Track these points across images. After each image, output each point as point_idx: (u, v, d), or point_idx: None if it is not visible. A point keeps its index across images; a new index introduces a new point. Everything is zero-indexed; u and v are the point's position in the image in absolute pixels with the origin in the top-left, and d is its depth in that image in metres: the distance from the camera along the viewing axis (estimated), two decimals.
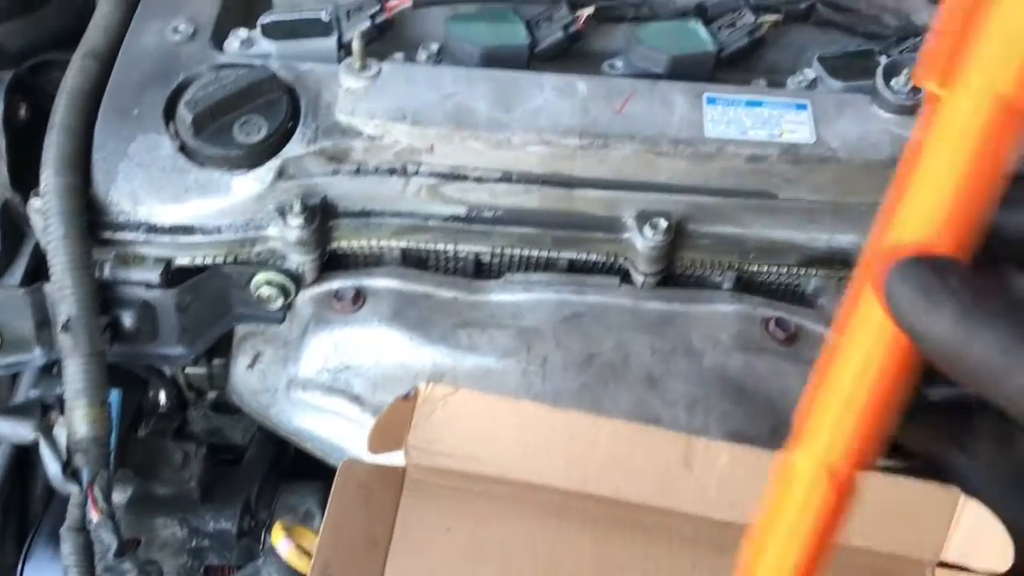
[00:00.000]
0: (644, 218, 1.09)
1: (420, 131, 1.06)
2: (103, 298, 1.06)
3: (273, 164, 1.06)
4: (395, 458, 0.87)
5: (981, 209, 0.42)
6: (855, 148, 1.07)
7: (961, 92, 0.41)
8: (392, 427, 0.86)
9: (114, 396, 1.10)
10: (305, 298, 1.14)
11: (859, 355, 0.45)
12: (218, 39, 1.16)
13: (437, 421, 0.86)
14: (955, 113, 0.41)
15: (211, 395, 1.34)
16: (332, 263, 1.15)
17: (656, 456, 0.87)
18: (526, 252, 1.14)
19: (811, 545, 0.48)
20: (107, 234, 1.07)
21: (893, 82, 1.08)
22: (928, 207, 0.42)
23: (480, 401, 0.87)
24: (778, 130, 1.08)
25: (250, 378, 1.18)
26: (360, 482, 0.85)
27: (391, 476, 0.87)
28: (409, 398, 0.86)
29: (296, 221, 1.06)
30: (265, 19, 1.17)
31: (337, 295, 1.12)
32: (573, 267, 1.16)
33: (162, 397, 1.33)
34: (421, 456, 0.87)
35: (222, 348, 1.20)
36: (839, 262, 1.14)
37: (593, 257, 1.14)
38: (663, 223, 1.08)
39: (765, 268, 1.14)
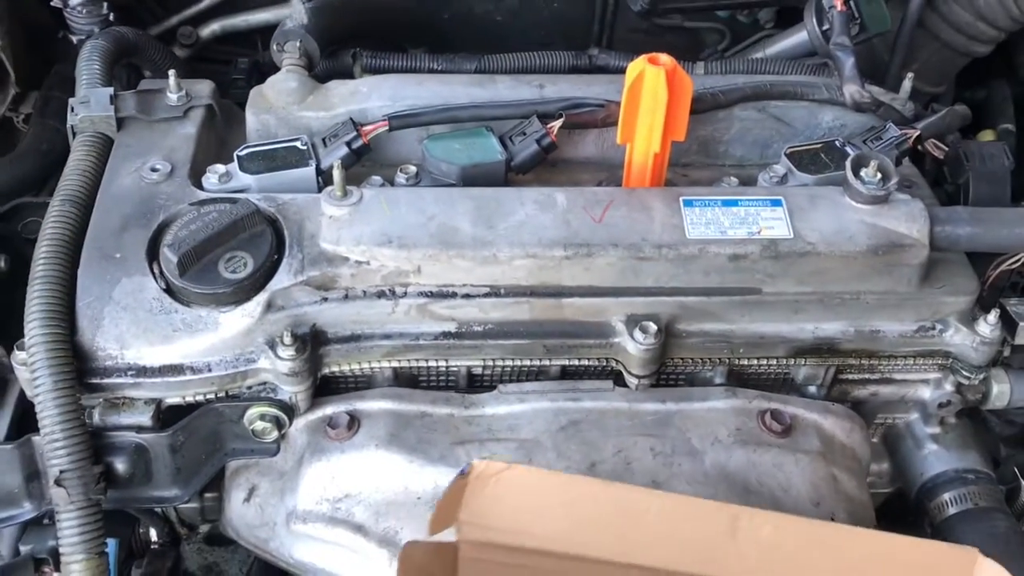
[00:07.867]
0: (633, 322, 1.10)
1: (406, 254, 1.07)
2: (95, 446, 1.03)
3: (261, 298, 1.06)
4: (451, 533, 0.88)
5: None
6: (833, 240, 1.09)
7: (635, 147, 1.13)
8: (449, 506, 0.88)
9: (111, 545, 1.08)
10: (299, 427, 1.12)
11: None
12: (195, 176, 1.17)
13: (490, 497, 0.88)
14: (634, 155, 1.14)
15: (204, 528, 1.31)
16: (323, 388, 1.14)
17: (702, 527, 0.90)
18: (518, 362, 1.14)
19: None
20: (95, 380, 1.05)
21: (863, 173, 1.11)
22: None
23: (531, 476, 0.90)
24: (756, 227, 1.10)
25: (247, 512, 1.15)
26: (419, 566, 0.86)
27: (447, 556, 0.87)
28: (465, 475, 0.88)
29: (287, 353, 1.05)
30: (242, 151, 1.17)
31: (331, 422, 1.11)
32: (565, 373, 1.17)
33: (153, 534, 1.29)
34: (474, 531, 0.87)
35: (213, 482, 1.18)
36: (827, 351, 1.15)
37: (585, 363, 1.14)
38: (653, 326, 1.09)
39: (755, 361, 1.16)
